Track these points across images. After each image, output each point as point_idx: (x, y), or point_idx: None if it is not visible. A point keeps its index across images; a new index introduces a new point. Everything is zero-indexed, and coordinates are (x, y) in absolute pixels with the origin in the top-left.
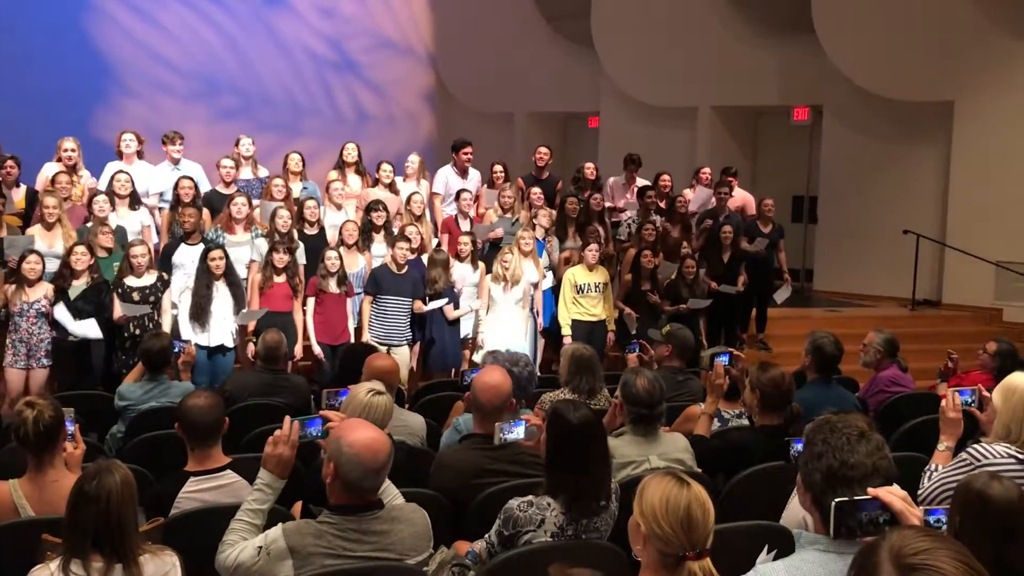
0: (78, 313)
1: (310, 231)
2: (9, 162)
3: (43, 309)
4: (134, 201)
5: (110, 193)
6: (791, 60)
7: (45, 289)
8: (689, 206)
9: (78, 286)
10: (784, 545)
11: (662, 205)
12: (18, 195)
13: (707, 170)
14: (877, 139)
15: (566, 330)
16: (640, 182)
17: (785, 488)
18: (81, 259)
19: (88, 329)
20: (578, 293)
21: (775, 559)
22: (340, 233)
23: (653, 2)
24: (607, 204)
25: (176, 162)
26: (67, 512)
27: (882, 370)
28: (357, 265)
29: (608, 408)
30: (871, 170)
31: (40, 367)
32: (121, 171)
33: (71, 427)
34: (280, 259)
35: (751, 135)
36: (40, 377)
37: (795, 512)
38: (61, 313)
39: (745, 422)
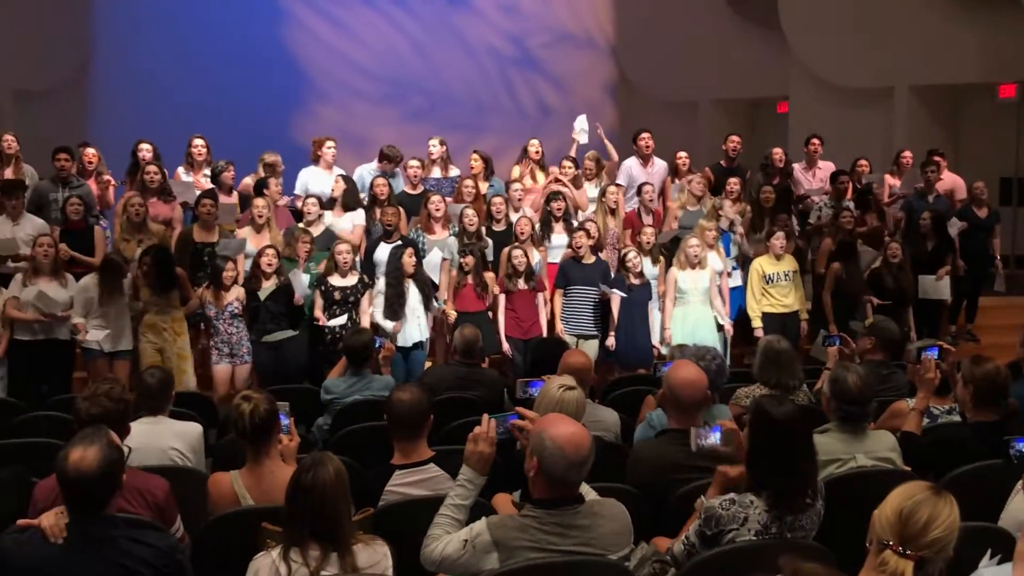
0: (273, 317)
1: (498, 228)
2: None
3: (236, 311)
4: (348, 202)
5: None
6: (994, 33)
7: (237, 292)
8: (898, 190)
9: (266, 288)
10: (1006, 548)
11: (860, 188)
12: (232, 200)
13: (908, 153)
14: None
15: (756, 323)
16: (823, 164)
17: (1003, 488)
18: (272, 263)
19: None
20: (767, 283)
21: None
22: (514, 230)
23: None
24: (801, 193)
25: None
26: (286, 503)
27: None
28: (532, 259)
29: (807, 404)
30: None
31: (243, 363)
32: (340, 175)
33: (286, 420)
34: (465, 262)
35: (952, 115)
36: (243, 372)
37: (1015, 513)
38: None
39: (956, 418)
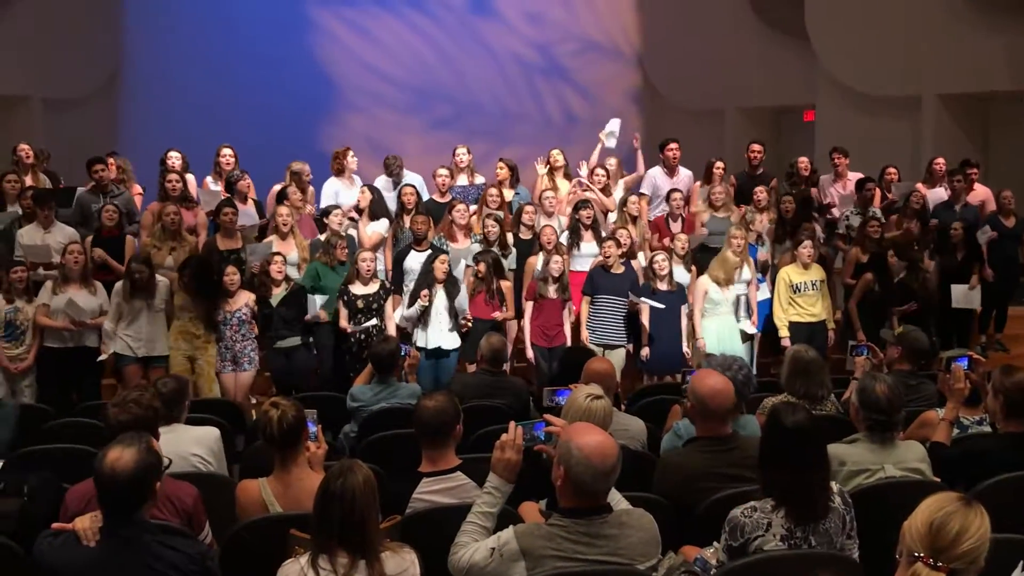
0: (285, 323)
1: (525, 236)
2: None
3: (244, 317)
4: (376, 211)
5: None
6: (1022, 41)
7: (247, 298)
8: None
9: (277, 294)
10: None
11: (890, 196)
12: (248, 207)
13: (941, 160)
14: None
15: (784, 332)
16: (852, 176)
17: None
18: (282, 270)
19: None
20: (794, 292)
21: None
22: (539, 238)
23: None
24: (826, 202)
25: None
26: (314, 510)
27: None
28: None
29: (835, 414)
30: None
31: (243, 371)
32: (365, 186)
33: (313, 428)
34: (478, 269)
35: (980, 124)
36: (245, 380)
37: None
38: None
39: (987, 429)
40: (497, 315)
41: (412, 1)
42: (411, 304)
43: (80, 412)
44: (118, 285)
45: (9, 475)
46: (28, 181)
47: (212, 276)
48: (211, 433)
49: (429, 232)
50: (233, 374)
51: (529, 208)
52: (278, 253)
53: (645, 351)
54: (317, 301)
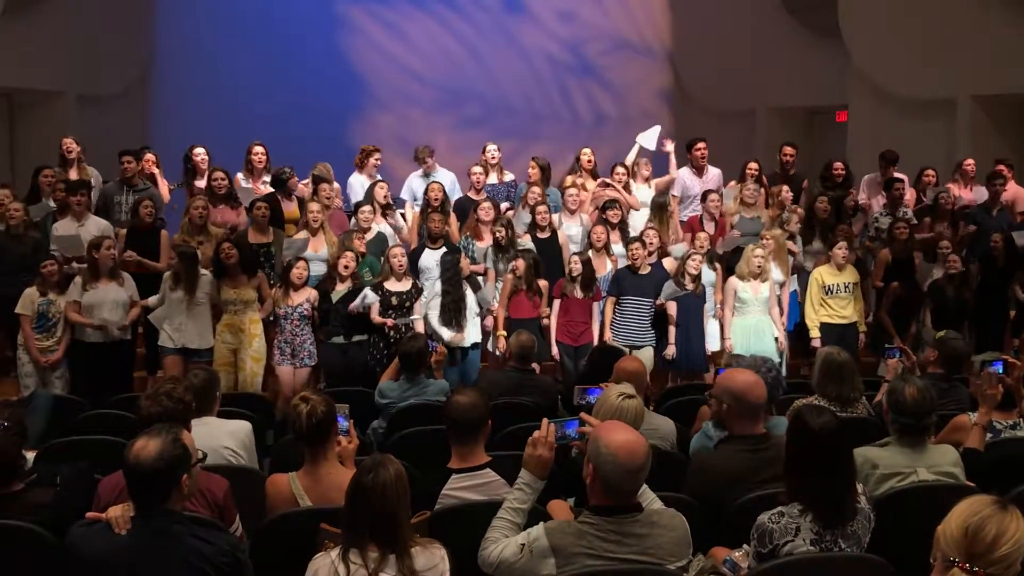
0: (343, 319)
1: (542, 235)
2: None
3: (306, 312)
4: (388, 210)
5: (372, 204)
6: None
7: (309, 293)
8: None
9: (339, 291)
10: None
11: (925, 199)
12: (291, 206)
13: (970, 161)
14: None
15: (815, 332)
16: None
17: None
18: (349, 265)
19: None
20: (826, 294)
21: None
22: (588, 237)
23: None
24: (861, 202)
25: (427, 174)
26: (346, 504)
27: None
28: (604, 268)
29: (867, 416)
30: None
31: (303, 366)
32: (380, 182)
33: (345, 423)
34: (516, 266)
35: (1016, 125)
36: (303, 375)
37: None
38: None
39: (1021, 433)
40: (544, 320)
41: None
42: (444, 312)
43: (113, 404)
44: (167, 274)
45: (43, 466)
46: (73, 175)
47: (252, 253)
48: (243, 427)
49: (453, 231)
50: (291, 367)
51: (542, 208)
52: (350, 250)
53: (671, 350)
54: (368, 296)
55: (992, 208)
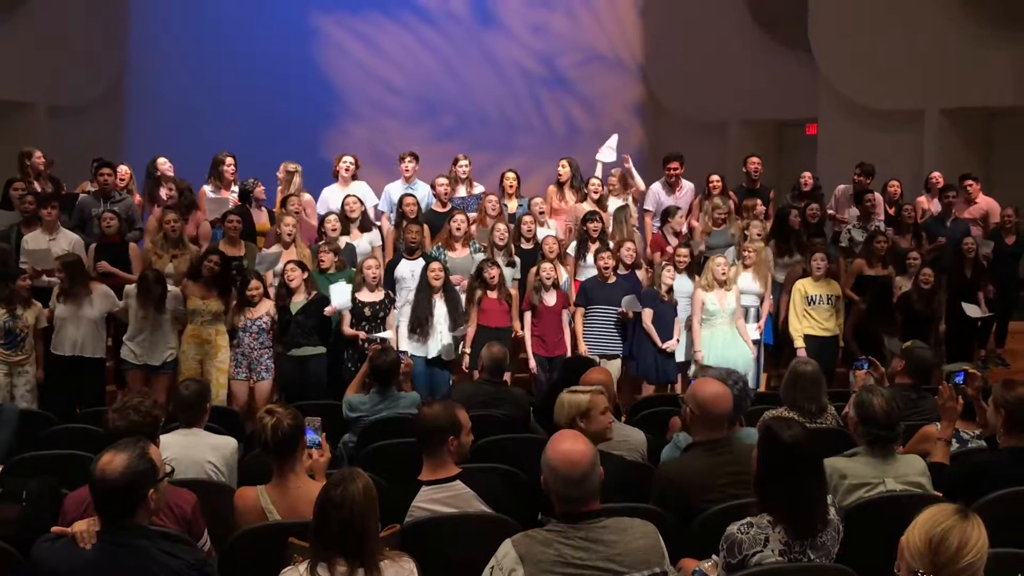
0: (303, 332)
1: (526, 246)
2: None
3: (264, 326)
4: (365, 223)
5: (341, 215)
6: None
7: (268, 307)
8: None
9: (298, 302)
10: None
11: (891, 212)
12: (262, 217)
13: (937, 175)
14: None
15: (799, 343)
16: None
17: None
18: (295, 277)
19: (341, 296)
20: (808, 304)
21: None
22: (542, 247)
23: (874, 1)
24: (830, 213)
25: (409, 180)
26: (314, 517)
27: None
28: (561, 278)
29: (835, 427)
30: None
31: (260, 380)
32: (351, 195)
33: (317, 437)
34: (492, 274)
35: (984, 139)
36: (263, 389)
37: None
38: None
39: (984, 443)
40: (515, 333)
41: (417, 11)
42: (413, 317)
43: (81, 418)
44: (129, 288)
45: (8, 480)
46: (39, 188)
47: (230, 270)
48: (229, 444)
49: (425, 242)
50: (246, 382)
51: (527, 218)
52: (292, 261)
53: (671, 342)
54: (346, 289)
55: (946, 219)
